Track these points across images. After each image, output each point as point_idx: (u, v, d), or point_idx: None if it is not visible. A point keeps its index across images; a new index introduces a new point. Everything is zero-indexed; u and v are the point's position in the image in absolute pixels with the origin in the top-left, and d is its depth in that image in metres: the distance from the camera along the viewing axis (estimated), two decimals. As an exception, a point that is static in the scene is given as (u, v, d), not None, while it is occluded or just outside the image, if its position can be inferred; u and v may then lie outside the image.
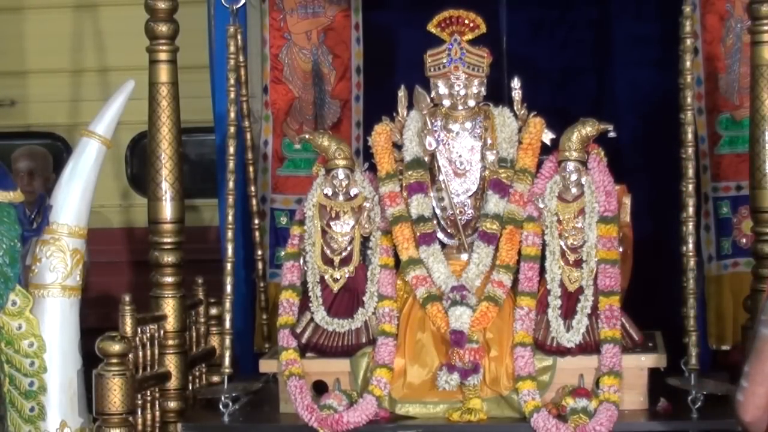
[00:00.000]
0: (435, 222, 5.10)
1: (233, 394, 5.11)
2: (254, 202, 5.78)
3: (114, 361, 4.66)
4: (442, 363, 4.86)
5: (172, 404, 5.08)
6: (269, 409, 5.13)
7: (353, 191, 5.09)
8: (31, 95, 8.25)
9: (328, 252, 5.05)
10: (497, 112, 5.12)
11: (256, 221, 5.78)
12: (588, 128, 4.94)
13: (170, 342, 5.10)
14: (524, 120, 5.10)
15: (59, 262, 4.77)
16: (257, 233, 5.79)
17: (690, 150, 5.11)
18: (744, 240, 5.78)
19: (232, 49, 5.37)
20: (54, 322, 4.74)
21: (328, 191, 5.08)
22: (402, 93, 5.15)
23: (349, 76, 6.22)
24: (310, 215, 5.07)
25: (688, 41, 5.09)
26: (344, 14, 6.20)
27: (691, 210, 5.07)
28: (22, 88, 8.26)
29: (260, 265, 5.81)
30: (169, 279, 5.10)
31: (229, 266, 5.24)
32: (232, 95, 5.36)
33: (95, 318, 5.85)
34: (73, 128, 7.70)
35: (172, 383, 5.08)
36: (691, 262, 5.04)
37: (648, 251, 5.23)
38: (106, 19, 8.05)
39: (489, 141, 5.08)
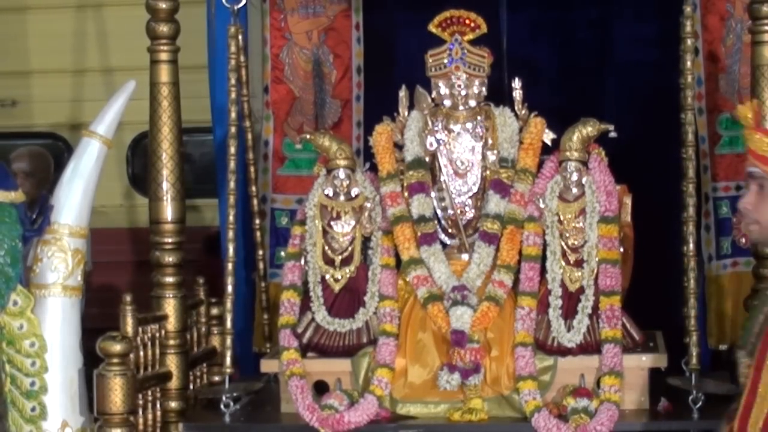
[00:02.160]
0: (436, 222, 5.10)
1: (234, 394, 5.11)
2: (255, 202, 5.78)
3: (115, 361, 4.66)
4: (443, 363, 4.86)
5: (173, 404, 5.08)
6: (270, 409, 5.12)
7: (354, 191, 5.09)
8: (33, 95, 8.27)
9: (329, 252, 5.05)
10: (498, 112, 5.13)
11: (257, 221, 5.78)
12: (589, 128, 4.95)
13: (171, 342, 5.09)
14: (525, 120, 5.10)
15: (60, 262, 4.77)
16: (258, 233, 5.79)
17: (690, 150, 5.12)
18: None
19: (233, 49, 5.37)
20: (55, 322, 4.73)
21: (329, 191, 5.08)
22: (403, 93, 5.15)
23: (349, 76, 6.22)
24: (311, 215, 5.08)
25: (689, 41, 5.10)
26: (345, 14, 6.21)
27: (691, 210, 5.08)
28: (24, 89, 8.27)
29: (261, 265, 5.81)
30: (170, 279, 5.10)
31: (230, 266, 5.24)
32: (233, 95, 5.36)
33: (97, 318, 5.85)
34: (76, 128, 7.71)
35: (173, 383, 5.08)
36: (692, 262, 5.04)
37: (649, 251, 5.22)
38: (109, 19, 8.07)
39: (490, 141, 5.09)
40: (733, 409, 3.91)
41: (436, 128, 5.09)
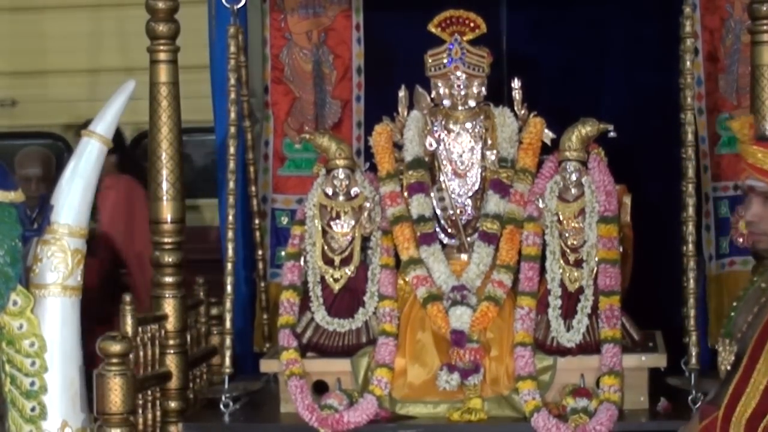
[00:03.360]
0: (435, 222, 5.11)
1: (234, 394, 5.11)
2: (255, 202, 5.78)
3: (115, 360, 4.67)
4: (443, 363, 4.86)
5: (172, 404, 5.07)
6: (270, 409, 5.13)
7: (354, 191, 5.09)
8: (36, 95, 8.28)
9: (328, 252, 5.06)
10: (498, 112, 5.13)
11: (257, 221, 5.79)
12: (588, 128, 4.95)
13: (171, 342, 5.09)
14: (524, 120, 5.10)
15: (60, 262, 4.77)
16: (258, 233, 5.80)
17: (690, 150, 5.12)
18: (741, 239, 5.77)
19: (232, 49, 5.37)
20: (55, 322, 4.74)
21: (329, 191, 5.08)
22: (402, 93, 5.16)
23: (350, 77, 6.21)
24: (311, 215, 5.08)
25: (689, 41, 5.10)
26: (345, 14, 6.20)
27: (691, 210, 5.08)
28: (27, 88, 8.28)
29: (261, 265, 5.82)
30: (169, 279, 5.10)
31: (229, 266, 5.24)
32: (233, 95, 5.36)
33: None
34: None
35: (173, 383, 5.08)
36: (691, 262, 5.05)
37: (648, 251, 5.23)
38: (112, 19, 8.08)
39: (489, 141, 5.09)
40: (705, 405, 3.90)
41: (435, 128, 5.10)
